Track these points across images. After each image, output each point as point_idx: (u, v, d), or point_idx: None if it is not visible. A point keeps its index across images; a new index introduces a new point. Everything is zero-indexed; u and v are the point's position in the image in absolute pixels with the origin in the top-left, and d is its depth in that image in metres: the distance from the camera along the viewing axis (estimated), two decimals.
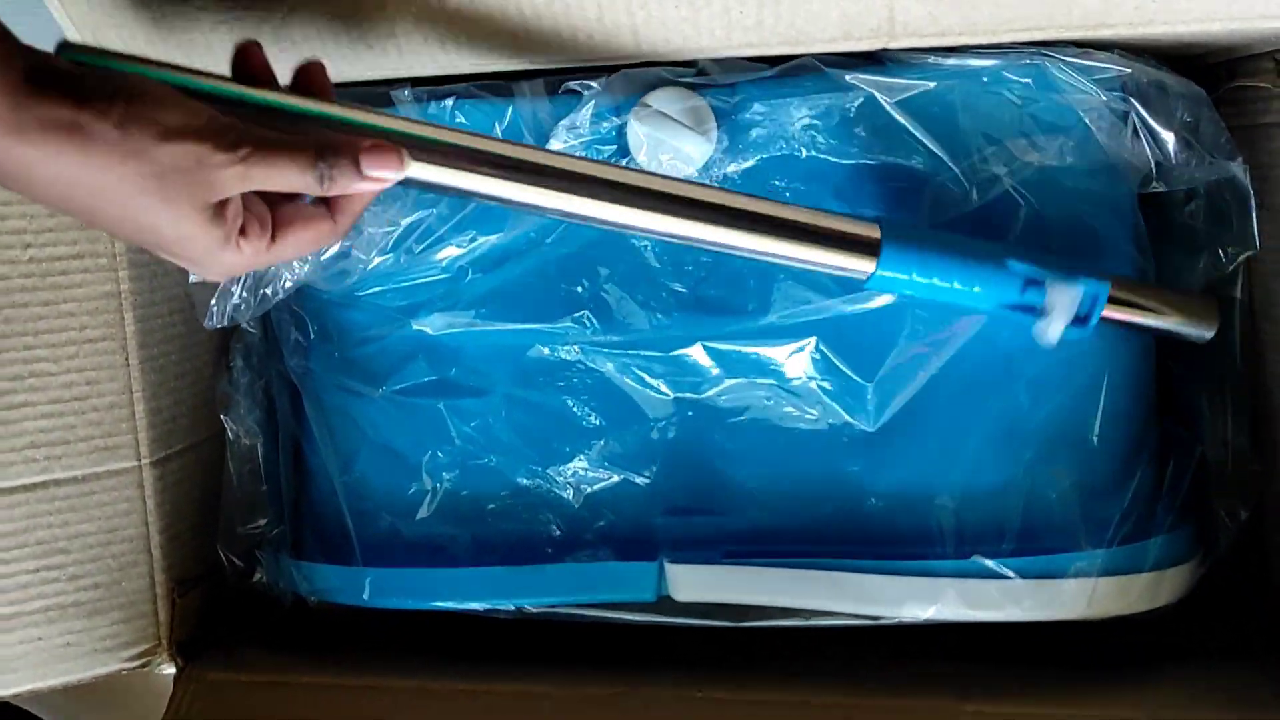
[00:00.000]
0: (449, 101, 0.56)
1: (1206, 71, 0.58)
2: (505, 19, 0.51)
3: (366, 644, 0.62)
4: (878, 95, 0.52)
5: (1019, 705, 0.53)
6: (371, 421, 0.60)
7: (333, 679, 0.59)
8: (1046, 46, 0.53)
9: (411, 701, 0.57)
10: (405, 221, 0.57)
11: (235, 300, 0.59)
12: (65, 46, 0.42)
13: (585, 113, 0.55)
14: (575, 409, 0.58)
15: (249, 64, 0.44)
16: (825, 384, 0.55)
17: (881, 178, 0.53)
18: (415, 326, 0.59)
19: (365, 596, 0.59)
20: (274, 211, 0.44)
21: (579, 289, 0.58)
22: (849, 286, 0.54)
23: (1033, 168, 0.53)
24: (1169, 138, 0.54)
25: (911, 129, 0.52)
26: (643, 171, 0.46)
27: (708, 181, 0.55)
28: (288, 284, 0.58)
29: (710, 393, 0.56)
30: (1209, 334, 0.54)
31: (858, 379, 0.54)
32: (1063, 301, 0.49)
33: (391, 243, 0.58)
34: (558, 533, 0.58)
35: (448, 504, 0.59)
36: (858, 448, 0.55)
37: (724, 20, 0.51)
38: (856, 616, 0.55)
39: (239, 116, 0.41)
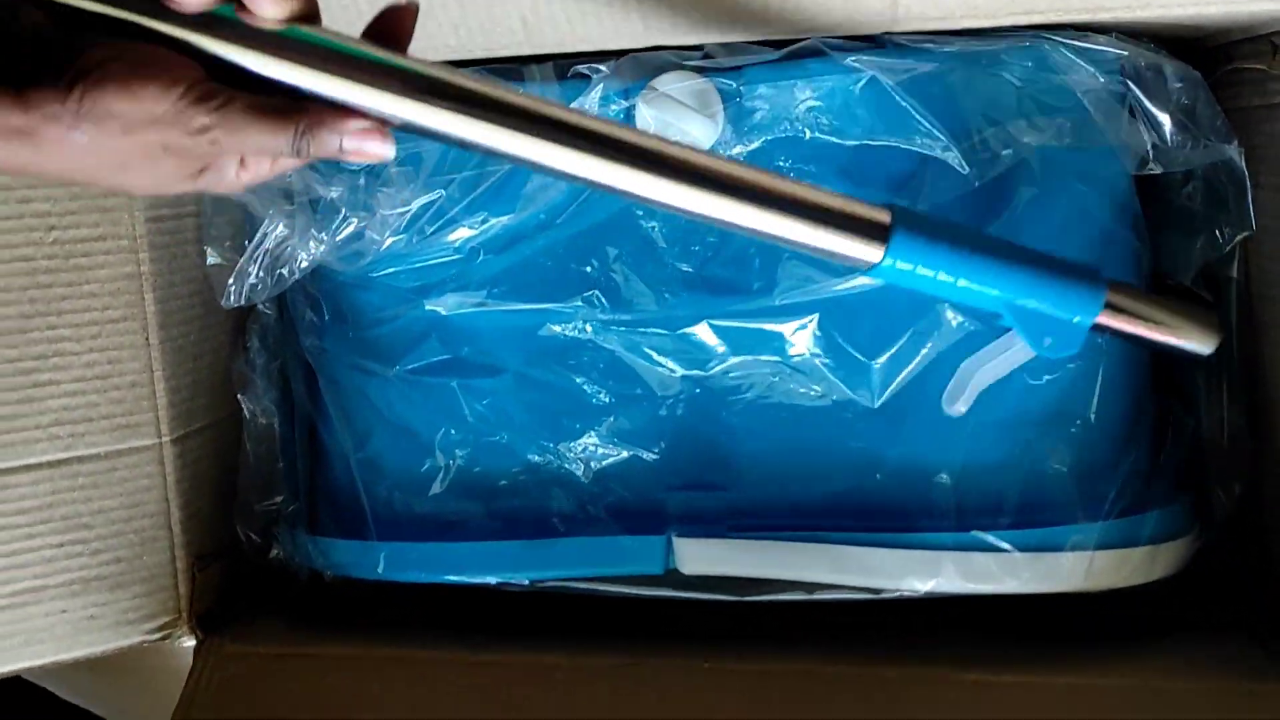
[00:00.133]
0: None
1: (1203, 55, 0.59)
2: (516, 5, 0.52)
3: (381, 617, 0.64)
4: (881, 77, 0.53)
5: (1018, 674, 0.54)
6: (386, 400, 0.62)
7: (348, 650, 0.60)
8: (1046, 30, 0.54)
9: (426, 671, 0.59)
10: (418, 203, 0.59)
11: (252, 280, 0.60)
12: None
13: (594, 96, 0.57)
14: (585, 387, 0.60)
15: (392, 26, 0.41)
16: (829, 361, 0.56)
17: (884, 158, 0.55)
18: (428, 307, 0.60)
19: (380, 570, 0.60)
20: None
21: (588, 269, 0.59)
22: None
23: (1032, 148, 0.54)
24: (1166, 120, 0.55)
25: (913, 110, 0.53)
26: (646, 134, 0.42)
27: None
28: (304, 264, 0.60)
29: (717, 370, 0.58)
30: (1207, 350, 0.52)
31: (861, 357, 0.55)
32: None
33: (404, 224, 0.59)
34: (568, 508, 0.60)
35: (461, 480, 0.61)
36: (861, 424, 0.57)
37: (730, 5, 0.52)
38: (859, 590, 0.56)
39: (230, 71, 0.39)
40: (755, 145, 0.56)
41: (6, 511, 0.57)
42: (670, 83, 0.56)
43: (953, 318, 0.54)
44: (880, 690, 0.54)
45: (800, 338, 0.56)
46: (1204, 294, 0.57)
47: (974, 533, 0.54)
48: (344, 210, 0.59)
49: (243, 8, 0.39)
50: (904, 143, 0.54)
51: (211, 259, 0.63)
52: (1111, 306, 0.48)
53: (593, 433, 0.60)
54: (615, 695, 0.56)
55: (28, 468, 0.57)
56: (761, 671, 0.56)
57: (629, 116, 0.56)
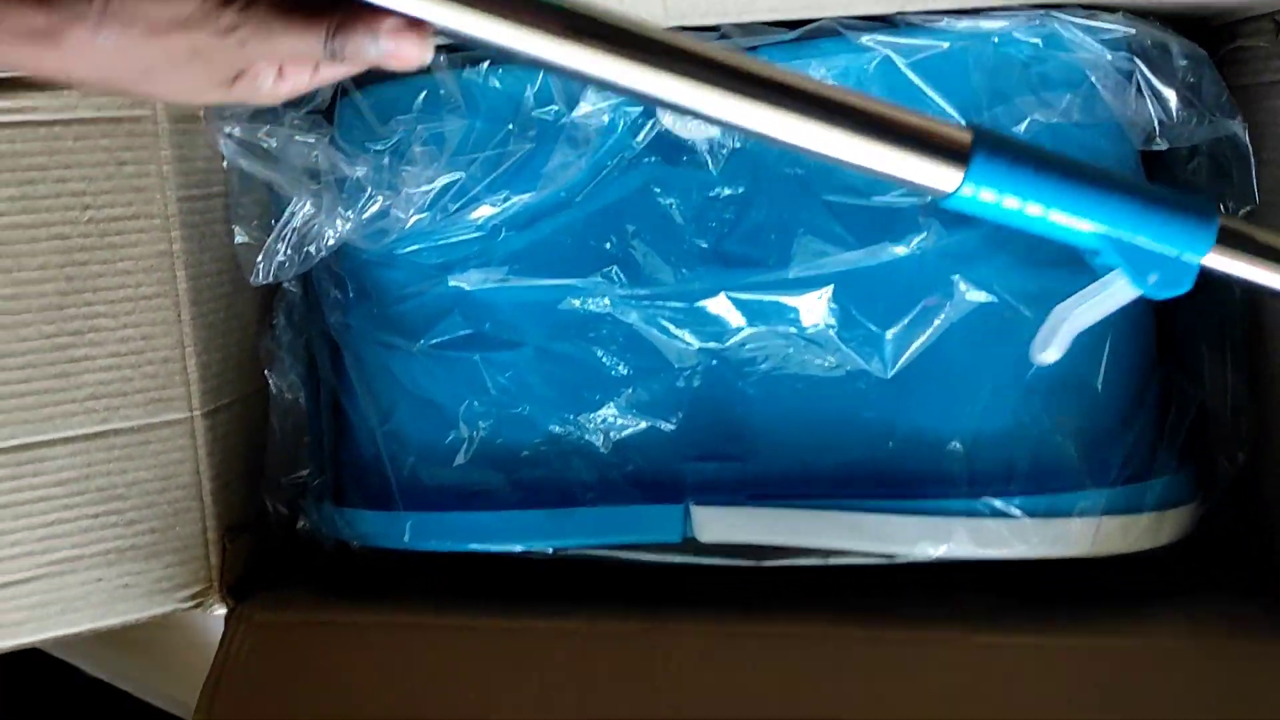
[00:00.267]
0: (484, 65, 0.59)
1: (1208, 33, 0.60)
2: None
3: (406, 585, 0.66)
4: (894, 56, 0.55)
5: (1026, 636, 0.56)
6: (410, 374, 0.63)
7: (374, 618, 0.62)
8: (1055, 9, 0.55)
9: (450, 638, 0.60)
10: (441, 182, 0.60)
11: (280, 258, 0.62)
12: None
13: None
14: (604, 359, 0.61)
15: None
16: (842, 333, 0.57)
17: None
18: (451, 283, 0.61)
19: (406, 539, 0.62)
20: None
21: (607, 245, 0.60)
22: (865, 240, 0.56)
23: (1041, 125, 0.55)
24: (1172, 96, 0.56)
25: (925, 88, 0.55)
26: (691, 39, 0.37)
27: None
28: (330, 242, 0.61)
29: (732, 343, 0.59)
30: None
31: (874, 328, 0.57)
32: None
33: (428, 202, 0.60)
34: (588, 477, 0.61)
35: (484, 451, 0.62)
36: (874, 394, 0.58)
37: None
38: (872, 555, 0.58)
39: None
40: None
41: (45, 483, 0.58)
42: None
43: (965, 288, 0.56)
44: (892, 651, 0.56)
45: (814, 310, 0.58)
46: None
47: (985, 499, 0.56)
48: (369, 189, 0.60)
49: None
50: None
51: (239, 238, 0.65)
52: (1225, 241, 0.41)
53: (612, 404, 0.61)
54: (635, 659, 0.58)
55: (65, 440, 0.59)
56: (777, 634, 0.58)
57: None
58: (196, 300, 0.61)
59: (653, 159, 0.60)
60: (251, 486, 0.66)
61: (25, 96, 0.56)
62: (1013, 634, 0.55)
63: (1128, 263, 0.41)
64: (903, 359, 0.57)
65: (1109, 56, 0.55)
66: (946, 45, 0.55)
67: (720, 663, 0.58)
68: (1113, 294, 0.43)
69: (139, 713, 0.86)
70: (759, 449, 0.60)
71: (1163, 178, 0.61)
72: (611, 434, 0.61)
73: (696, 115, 0.37)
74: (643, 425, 0.61)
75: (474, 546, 0.61)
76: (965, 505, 0.56)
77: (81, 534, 0.59)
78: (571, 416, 0.62)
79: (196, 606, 0.63)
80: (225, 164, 0.63)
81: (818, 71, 0.56)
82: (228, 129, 0.62)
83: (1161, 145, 0.57)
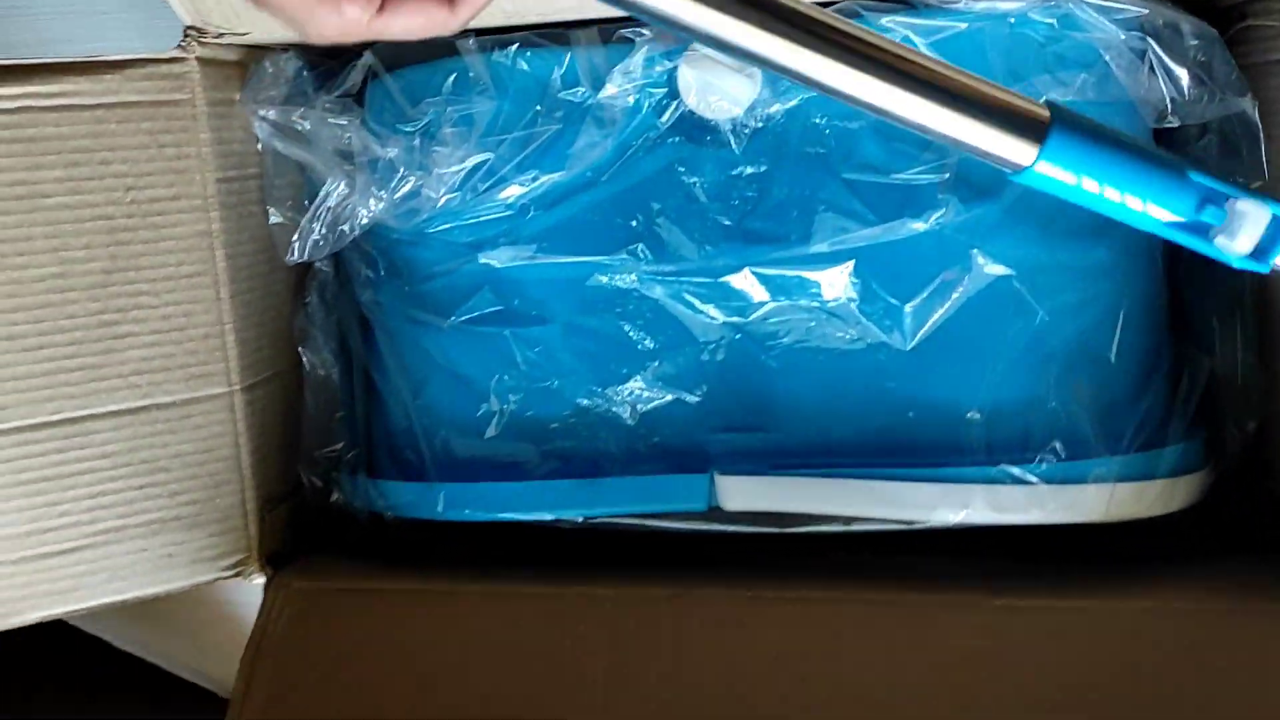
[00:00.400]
0: (512, 48, 0.61)
1: (1218, 12, 0.61)
2: None
3: (438, 554, 0.68)
4: (913, 37, 0.56)
5: (1042, 599, 0.57)
6: (441, 349, 0.65)
7: (408, 585, 0.64)
8: None
9: (482, 604, 0.62)
10: (471, 162, 0.62)
11: (315, 237, 0.64)
12: None
13: (638, 58, 0.60)
14: (631, 334, 0.63)
15: None
16: (863, 306, 0.59)
17: None
18: (482, 260, 0.63)
19: (440, 510, 0.64)
20: None
21: (633, 223, 0.62)
22: (885, 216, 0.58)
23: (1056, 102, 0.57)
24: (1183, 75, 0.57)
25: None
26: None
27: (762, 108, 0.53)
28: (364, 221, 0.63)
29: (756, 317, 0.61)
30: None
31: (893, 301, 0.59)
32: (1254, 218, 0.42)
33: (459, 182, 0.62)
34: (616, 449, 0.63)
35: (514, 424, 0.64)
36: (894, 366, 0.60)
37: None
38: (893, 521, 0.60)
39: None
40: (793, 103, 0.59)
41: (91, 455, 0.60)
42: None
43: (983, 262, 0.57)
44: (913, 614, 0.58)
45: (836, 284, 0.59)
46: None
47: (1002, 467, 0.57)
48: (401, 169, 0.62)
49: None
50: None
51: (274, 218, 0.66)
52: None
53: (638, 378, 0.63)
54: (662, 623, 0.60)
55: (110, 414, 0.61)
56: (800, 599, 0.60)
57: (671, 77, 0.59)
58: (234, 279, 0.63)
59: (677, 139, 0.61)
60: (288, 459, 0.68)
61: (69, 81, 0.58)
62: (1030, 597, 0.57)
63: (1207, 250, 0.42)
64: (922, 331, 0.58)
65: (1122, 36, 0.57)
66: (964, 26, 0.56)
67: (745, 626, 0.59)
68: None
69: (165, 683, 0.88)
70: (782, 420, 0.62)
71: (1175, 154, 0.62)
72: (638, 406, 0.63)
73: (779, 68, 0.37)
74: (668, 398, 0.63)
75: (506, 516, 0.63)
76: (983, 473, 0.58)
77: (126, 505, 0.61)
78: (599, 389, 0.63)
79: (236, 575, 0.65)
80: (260, 146, 0.65)
81: None
82: (262, 112, 0.64)
83: (1173, 122, 0.58)
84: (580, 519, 0.63)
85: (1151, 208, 0.41)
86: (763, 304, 0.61)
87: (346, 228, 0.63)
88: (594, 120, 0.61)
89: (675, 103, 0.60)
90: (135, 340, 0.61)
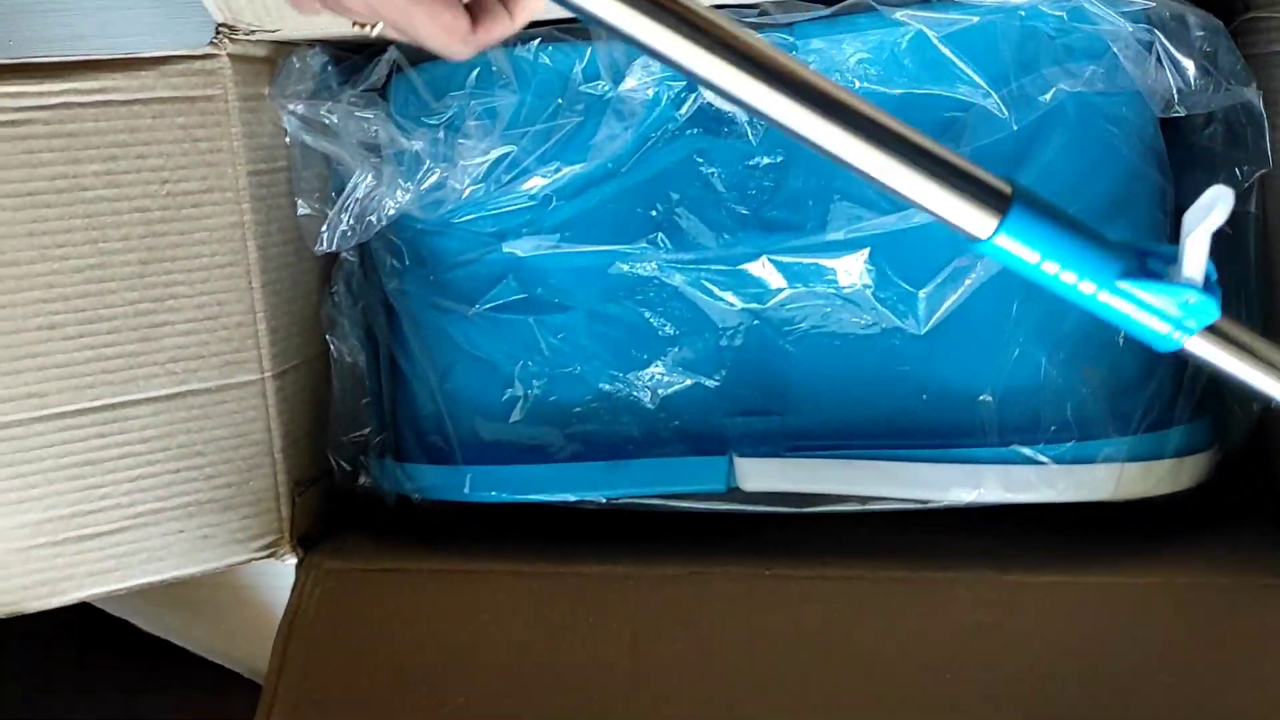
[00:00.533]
0: (534, 43, 0.62)
1: (1224, 4, 0.63)
2: None
3: (463, 535, 0.69)
4: (926, 30, 0.58)
5: (1053, 575, 0.59)
6: (466, 336, 0.67)
7: (436, 565, 0.66)
8: None
9: (507, 582, 0.64)
10: (494, 154, 0.64)
11: (343, 228, 0.65)
12: None
13: None
14: (651, 320, 0.65)
15: None
16: (878, 292, 0.61)
17: (929, 105, 0.59)
18: (505, 249, 0.65)
19: (466, 491, 0.66)
20: None
21: (653, 213, 0.64)
22: (899, 204, 0.60)
23: (1066, 94, 0.58)
24: (1189, 66, 0.59)
25: (957, 60, 0.58)
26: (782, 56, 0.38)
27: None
28: (390, 212, 0.65)
29: (773, 303, 0.63)
30: None
31: (908, 287, 0.60)
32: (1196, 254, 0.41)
33: (483, 174, 0.64)
34: (637, 432, 0.65)
35: (538, 408, 0.66)
36: (908, 350, 0.61)
37: None
38: (907, 501, 0.61)
39: None
40: None
41: (130, 440, 0.62)
42: None
43: None
44: (926, 590, 0.60)
45: (851, 271, 0.61)
46: None
47: (1014, 447, 0.59)
48: (427, 161, 0.64)
49: None
50: (947, 90, 0.59)
51: (302, 209, 0.68)
52: (1215, 330, 0.42)
53: (659, 363, 0.65)
54: (683, 600, 0.61)
55: (148, 400, 0.62)
56: (817, 576, 0.61)
57: None
58: (265, 269, 0.65)
59: (695, 130, 0.63)
60: (318, 443, 0.70)
61: (107, 77, 0.59)
62: (1041, 573, 0.59)
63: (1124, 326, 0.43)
64: (935, 317, 0.60)
65: (1130, 28, 0.58)
66: (976, 19, 0.58)
67: (763, 603, 0.61)
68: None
69: (191, 665, 0.90)
70: (799, 403, 0.64)
71: (1181, 143, 0.63)
72: (659, 391, 0.65)
73: (756, 113, 0.39)
74: (688, 382, 0.65)
75: (531, 497, 0.65)
76: (996, 453, 0.59)
77: (164, 488, 0.63)
78: (621, 375, 0.65)
79: (270, 555, 0.67)
80: (288, 140, 0.67)
81: (853, 46, 0.60)
82: (291, 106, 0.65)
83: (1180, 112, 0.60)
84: (603, 500, 0.64)
85: (1094, 290, 0.42)
86: (780, 291, 0.62)
87: (373, 218, 0.65)
88: (614, 113, 0.62)
89: (693, 95, 0.62)
90: (171, 329, 0.62)
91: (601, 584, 0.63)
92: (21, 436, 0.60)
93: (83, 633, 0.87)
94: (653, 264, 0.64)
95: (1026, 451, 0.59)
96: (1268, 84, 0.60)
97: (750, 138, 0.62)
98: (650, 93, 0.62)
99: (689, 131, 0.63)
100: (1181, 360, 0.63)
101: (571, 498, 0.65)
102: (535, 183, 0.64)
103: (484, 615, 0.63)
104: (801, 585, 0.61)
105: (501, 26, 0.42)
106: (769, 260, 0.62)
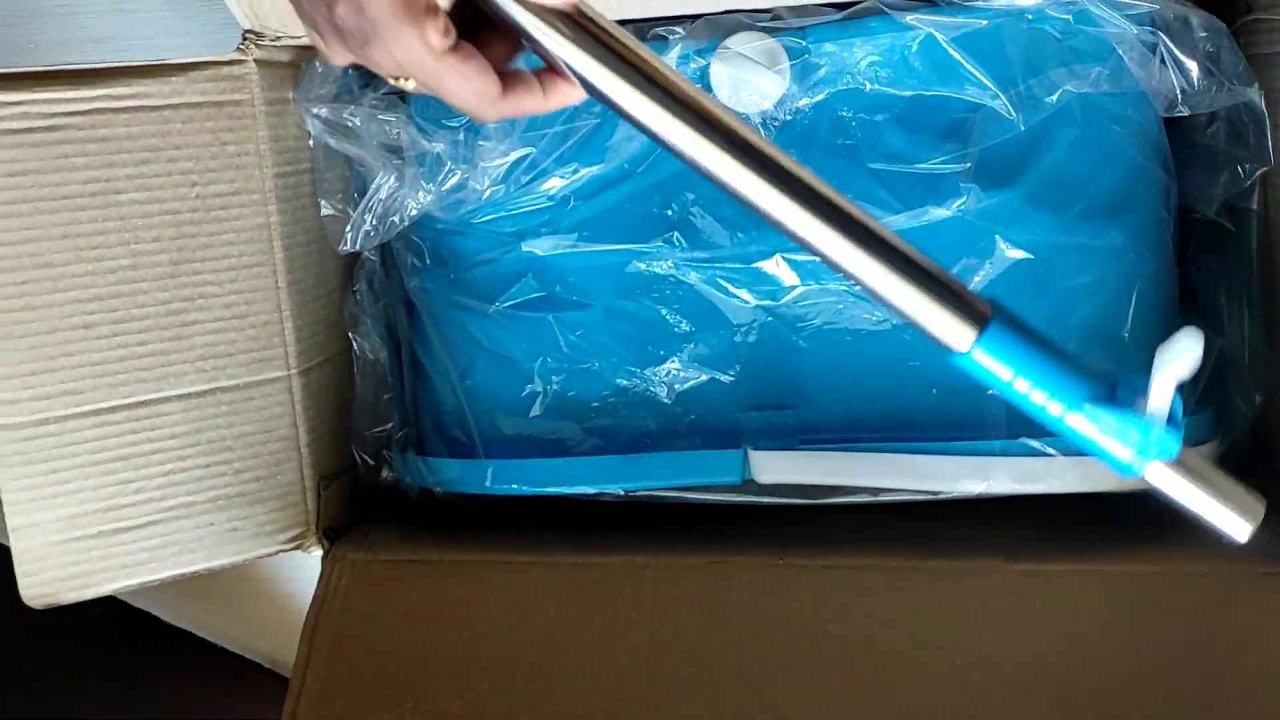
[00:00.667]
0: None
1: (1226, 6, 0.64)
2: None
3: (484, 527, 0.71)
4: (936, 33, 0.59)
5: (1061, 564, 0.60)
6: (486, 333, 0.69)
7: (458, 556, 0.67)
8: None
9: (528, 572, 0.65)
10: (514, 156, 0.65)
11: (366, 228, 0.67)
12: None
13: (672, 55, 0.63)
14: (667, 317, 0.66)
15: None
16: None
17: (938, 106, 0.61)
18: (525, 248, 0.66)
19: (487, 484, 0.67)
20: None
21: (669, 212, 0.65)
22: (910, 203, 0.61)
23: (1072, 94, 0.59)
24: (1192, 66, 0.60)
25: (965, 62, 0.59)
26: (784, 155, 0.41)
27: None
28: (412, 212, 0.66)
29: (786, 300, 0.64)
30: (1241, 536, 0.46)
31: None
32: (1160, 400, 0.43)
33: (502, 175, 0.65)
34: (654, 426, 0.67)
35: (557, 403, 0.67)
36: (919, 345, 0.62)
37: None
38: (918, 492, 0.63)
39: None
40: (820, 97, 0.62)
41: (161, 436, 0.64)
42: (742, 42, 0.62)
43: (1004, 247, 0.60)
44: (937, 579, 0.61)
45: None
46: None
47: (1022, 440, 0.60)
48: (448, 163, 0.65)
49: None
50: (956, 92, 0.60)
51: (325, 210, 0.70)
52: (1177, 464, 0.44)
53: (675, 359, 0.66)
54: (700, 589, 0.63)
55: (179, 397, 0.64)
56: (831, 566, 0.63)
57: (704, 74, 0.62)
58: (291, 268, 0.67)
59: None
60: (342, 438, 0.72)
61: (138, 83, 0.61)
62: (1048, 561, 0.60)
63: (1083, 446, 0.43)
64: None
65: (1134, 30, 0.60)
66: (985, 22, 0.59)
67: (778, 592, 0.62)
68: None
69: (213, 655, 0.91)
70: (811, 397, 0.65)
71: (1184, 142, 0.65)
72: (675, 386, 0.66)
73: (755, 207, 0.42)
74: (703, 378, 0.66)
75: (551, 490, 0.66)
76: (1004, 446, 0.61)
77: (194, 482, 0.65)
78: (638, 370, 0.67)
79: (296, 548, 0.68)
80: (311, 142, 0.69)
81: (864, 49, 0.61)
82: (314, 109, 0.67)
83: (1183, 111, 0.61)
84: (622, 492, 0.66)
85: (1061, 411, 0.42)
86: (793, 288, 0.64)
87: (396, 219, 0.67)
88: None
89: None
90: (201, 327, 0.64)
91: (620, 574, 0.64)
92: (58, 433, 0.62)
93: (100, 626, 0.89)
94: (668, 262, 0.65)
95: (1034, 444, 0.60)
96: (1269, 84, 0.62)
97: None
98: None
99: None
100: None
101: (590, 490, 0.66)
102: (554, 183, 0.65)
103: (505, 605, 0.64)
104: (815, 574, 0.63)
105: (533, 102, 0.43)
106: (782, 258, 0.63)
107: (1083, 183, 0.61)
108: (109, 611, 0.84)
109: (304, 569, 0.84)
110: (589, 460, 0.66)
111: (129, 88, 0.61)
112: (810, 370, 0.65)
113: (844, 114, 0.62)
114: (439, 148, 0.65)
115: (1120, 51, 0.60)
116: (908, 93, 0.61)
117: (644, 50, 0.41)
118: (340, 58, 0.42)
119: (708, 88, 0.63)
